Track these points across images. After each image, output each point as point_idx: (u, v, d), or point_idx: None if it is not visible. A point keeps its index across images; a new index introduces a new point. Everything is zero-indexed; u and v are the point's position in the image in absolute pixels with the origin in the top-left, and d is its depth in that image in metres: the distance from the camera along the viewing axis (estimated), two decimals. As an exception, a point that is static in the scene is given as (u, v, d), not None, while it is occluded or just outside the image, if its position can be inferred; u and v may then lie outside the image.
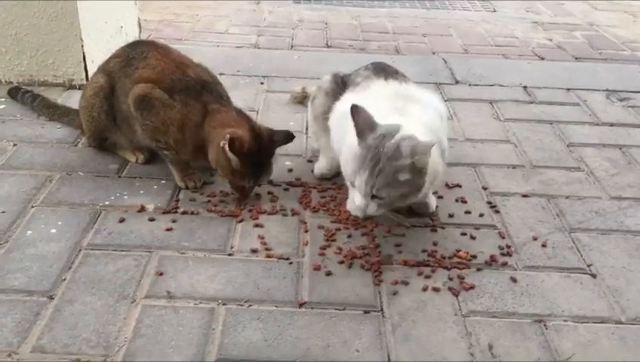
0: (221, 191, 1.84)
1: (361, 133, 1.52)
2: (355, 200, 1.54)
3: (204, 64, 1.92)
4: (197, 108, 1.77)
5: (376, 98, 1.68)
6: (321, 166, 1.95)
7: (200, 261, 1.56)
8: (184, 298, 1.43)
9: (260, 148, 1.72)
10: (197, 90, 1.79)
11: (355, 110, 1.53)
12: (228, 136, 1.66)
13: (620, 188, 1.96)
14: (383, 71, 1.82)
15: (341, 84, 1.88)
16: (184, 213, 1.74)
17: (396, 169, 1.47)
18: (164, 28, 3.42)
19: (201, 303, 1.42)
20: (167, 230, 1.66)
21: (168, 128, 1.77)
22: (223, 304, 1.42)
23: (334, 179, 1.93)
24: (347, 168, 1.58)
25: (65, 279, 1.47)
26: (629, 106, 2.55)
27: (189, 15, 3.69)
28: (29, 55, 2.43)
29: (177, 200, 1.79)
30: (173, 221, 1.70)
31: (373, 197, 1.51)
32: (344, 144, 1.64)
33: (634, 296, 1.50)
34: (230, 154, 1.66)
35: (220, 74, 2.62)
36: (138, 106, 1.78)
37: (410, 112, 1.62)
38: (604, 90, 2.69)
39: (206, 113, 1.78)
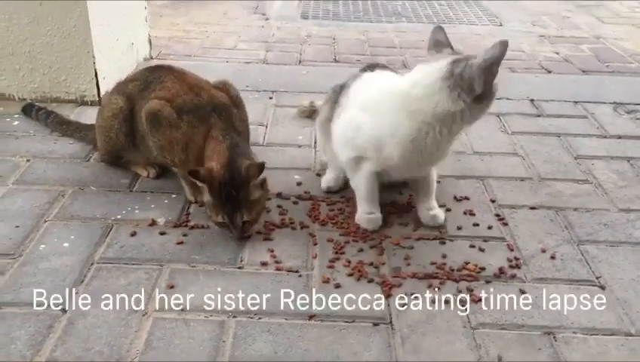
0: (231, 205, 1.86)
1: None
2: None
3: (232, 85, 1.95)
4: (201, 130, 1.78)
5: (363, 85, 1.76)
6: (328, 178, 1.97)
7: (210, 274, 1.57)
8: (195, 311, 1.45)
9: (233, 183, 1.64)
10: (206, 112, 1.80)
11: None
12: (205, 168, 1.67)
13: (629, 200, 1.96)
14: (370, 67, 1.88)
15: (339, 91, 1.90)
16: (194, 226, 1.76)
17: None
18: (174, 44, 3.47)
19: (211, 316, 1.43)
20: (178, 243, 1.68)
21: (173, 147, 1.80)
22: (234, 316, 1.43)
23: (343, 192, 1.94)
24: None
25: (77, 292, 1.49)
26: (637, 119, 2.55)
27: (199, 32, 3.74)
28: (42, 72, 2.47)
29: (188, 214, 1.81)
30: (184, 235, 1.72)
31: None
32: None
33: (643, 307, 1.50)
34: (198, 182, 1.66)
35: (230, 89, 2.68)
36: (149, 122, 1.81)
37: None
38: (611, 103, 2.69)
39: (207, 137, 1.78)
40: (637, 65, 3.37)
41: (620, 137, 2.38)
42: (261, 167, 1.67)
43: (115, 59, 2.62)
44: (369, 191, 1.77)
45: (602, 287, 1.57)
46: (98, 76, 2.48)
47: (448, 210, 1.87)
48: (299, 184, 2.00)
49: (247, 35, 3.72)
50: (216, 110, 1.81)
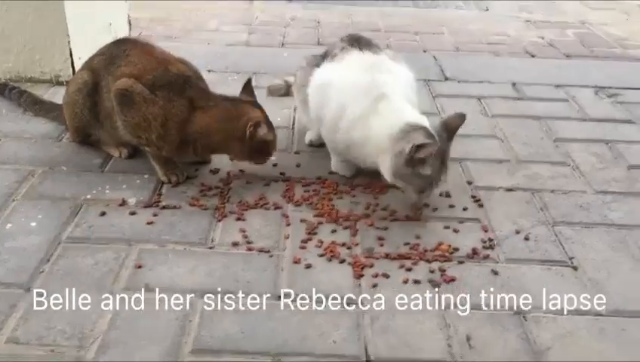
0: (203, 184, 1.83)
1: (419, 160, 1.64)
2: (425, 199, 1.74)
3: (187, 59, 1.93)
4: (181, 103, 1.77)
5: (352, 68, 1.84)
6: (310, 134, 2.09)
7: (180, 254, 1.55)
8: (162, 291, 1.42)
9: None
10: (179, 85, 1.78)
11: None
12: (252, 123, 1.76)
13: (606, 182, 1.95)
14: (357, 41, 1.95)
15: (319, 58, 2.00)
16: (166, 207, 1.73)
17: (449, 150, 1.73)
18: (156, 26, 3.42)
19: (179, 296, 1.41)
20: (148, 223, 1.65)
21: (150, 124, 1.77)
22: (201, 296, 1.41)
23: (319, 173, 1.93)
24: (334, 136, 1.82)
25: (43, 271, 1.46)
26: (618, 102, 2.54)
27: (181, 14, 3.70)
28: (15, 52, 2.42)
29: (160, 195, 1.79)
30: (155, 215, 1.69)
31: None
32: (326, 112, 1.82)
33: (614, 288, 1.49)
34: (263, 133, 1.78)
35: (209, 70, 2.66)
36: (119, 101, 1.78)
37: (387, 85, 1.78)
38: (593, 87, 2.68)
39: (193, 109, 1.77)
40: (621, 51, 3.37)
41: (600, 120, 2.37)
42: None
43: (92, 40, 2.55)
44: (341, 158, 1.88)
45: (575, 268, 1.56)
46: (73, 56, 2.44)
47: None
48: (274, 165, 1.98)
49: (231, 17, 3.68)
50: (188, 83, 1.79)
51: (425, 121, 1.72)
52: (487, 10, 4.15)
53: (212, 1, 3.99)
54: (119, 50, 1.86)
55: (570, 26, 3.80)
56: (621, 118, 2.40)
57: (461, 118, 1.77)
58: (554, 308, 1.42)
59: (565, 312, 1.41)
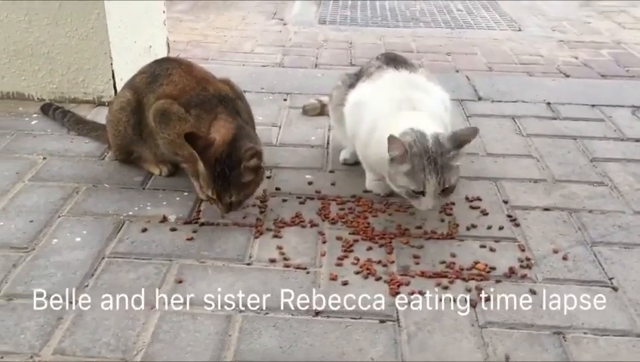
0: (241, 203, 1.87)
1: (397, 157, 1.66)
2: (425, 204, 1.68)
3: (231, 80, 1.98)
4: (208, 119, 1.80)
5: (388, 87, 1.87)
6: (345, 152, 2.12)
7: (219, 270, 1.58)
8: (202, 305, 1.45)
9: (229, 161, 1.67)
10: (213, 104, 1.83)
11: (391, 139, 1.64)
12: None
13: (645, 202, 1.93)
14: (394, 60, 1.99)
15: (354, 77, 2.05)
16: (205, 223, 1.77)
17: (450, 157, 1.66)
18: (192, 48, 3.51)
19: (218, 310, 1.44)
20: (188, 240, 1.69)
21: (183, 141, 1.82)
22: (240, 311, 1.44)
23: (353, 191, 1.95)
24: (366, 151, 1.86)
25: (87, 285, 1.51)
26: (656, 122, 2.51)
27: (217, 36, 3.78)
28: (60, 73, 2.52)
29: (199, 212, 1.83)
30: (194, 231, 1.73)
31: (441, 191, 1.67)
32: (361, 128, 1.84)
33: (657, 309, 1.47)
34: (194, 150, 1.68)
35: (245, 91, 2.67)
36: (158, 120, 1.84)
37: (421, 102, 1.82)
38: (630, 107, 2.66)
39: (214, 120, 1.80)
40: (658, 70, 3.32)
41: (637, 140, 2.35)
42: (258, 154, 1.71)
43: (132, 61, 2.65)
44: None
45: (615, 289, 1.54)
46: (115, 77, 2.52)
47: (459, 210, 1.86)
48: (310, 183, 2.00)
49: (265, 39, 3.75)
50: (223, 102, 1.84)
51: (437, 130, 1.71)
52: (519, 30, 4.15)
53: (247, 25, 4.08)
54: (161, 69, 1.92)
55: (605, 46, 3.77)
56: (659, 137, 2.37)
57: (473, 132, 1.74)
58: (594, 329, 1.41)
59: (606, 333, 1.40)
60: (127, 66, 2.59)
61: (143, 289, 1.49)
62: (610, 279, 1.57)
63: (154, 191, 1.93)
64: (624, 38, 3.96)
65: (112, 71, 2.50)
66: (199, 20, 4.11)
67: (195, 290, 1.50)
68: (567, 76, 3.20)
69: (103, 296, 1.47)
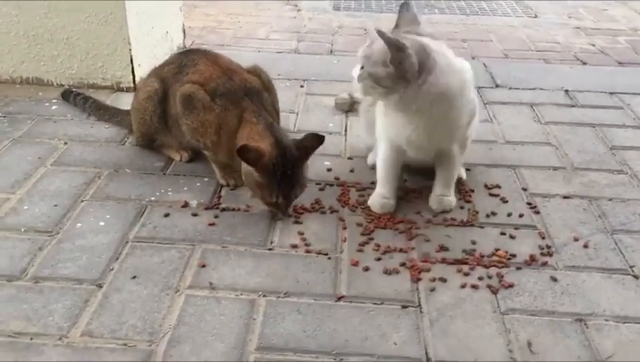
0: (262, 189, 1.88)
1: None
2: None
3: (263, 70, 1.98)
4: (234, 113, 1.80)
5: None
6: (371, 156, 2.02)
7: (241, 255, 1.60)
8: (226, 289, 1.47)
9: (286, 162, 1.66)
10: (239, 95, 1.82)
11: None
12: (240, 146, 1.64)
13: (665, 190, 1.92)
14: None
15: None
16: (226, 209, 1.78)
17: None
18: (207, 34, 3.51)
19: (242, 294, 1.45)
20: (210, 225, 1.71)
21: (206, 130, 1.83)
22: (264, 296, 1.45)
23: (373, 178, 1.95)
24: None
25: (112, 269, 1.53)
26: (675, 110, 2.49)
27: (231, 22, 3.78)
28: (79, 58, 2.53)
29: (220, 197, 1.84)
30: (216, 216, 1.74)
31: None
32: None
33: (678, 297, 1.47)
34: (246, 166, 1.66)
35: (261, 77, 2.71)
36: (183, 105, 1.84)
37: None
38: (648, 94, 2.64)
39: (241, 120, 1.80)
40: (676, 58, 3.29)
41: (656, 128, 2.33)
42: (321, 138, 1.71)
43: (150, 47, 2.66)
44: (386, 171, 1.80)
45: (636, 277, 1.54)
46: (133, 63, 2.52)
47: (478, 197, 1.86)
48: (329, 170, 2.01)
49: (279, 25, 3.74)
50: (249, 94, 1.83)
51: None
52: (535, 16, 4.12)
53: (260, 11, 4.07)
54: (188, 60, 1.93)
55: (622, 33, 3.74)
56: (679, 125, 2.36)
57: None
58: (615, 316, 1.41)
59: (628, 320, 1.40)
60: (145, 52, 2.61)
61: (167, 273, 1.51)
62: (632, 267, 1.58)
63: (175, 177, 1.94)
64: (641, 25, 3.92)
65: (131, 57, 2.51)
66: (213, 6, 4.10)
67: (218, 275, 1.52)
68: (585, 63, 3.18)
69: (129, 279, 1.49)
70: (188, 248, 1.61)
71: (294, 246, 1.63)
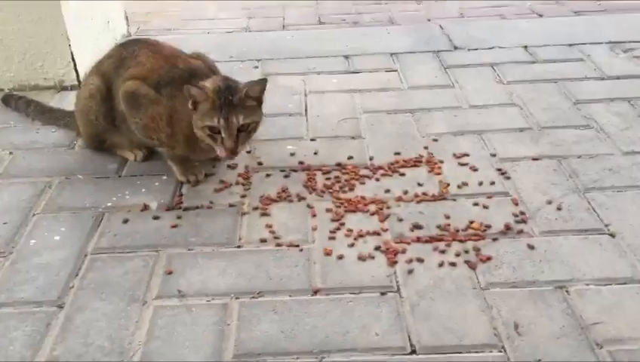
0: (222, 181, 1.80)
1: None
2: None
3: (202, 53, 1.90)
4: (183, 97, 1.69)
5: None
6: None
7: (209, 256, 1.52)
8: (196, 295, 1.40)
9: (229, 90, 1.62)
10: (184, 79, 1.71)
11: None
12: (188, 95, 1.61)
13: (632, 142, 1.90)
14: None
15: None
16: (188, 208, 1.70)
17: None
18: (152, 19, 3.36)
19: (213, 299, 1.39)
20: (173, 227, 1.62)
21: (158, 124, 1.73)
22: (236, 298, 1.39)
23: (336, 158, 1.89)
24: None
25: (73, 286, 1.44)
26: (635, 57, 2.48)
27: (177, 3, 3.63)
28: (16, 60, 2.37)
29: (181, 196, 1.75)
30: (178, 217, 1.66)
31: None
32: None
33: (656, 253, 1.46)
34: (194, 94, 1.61)
35: (214, 61, 2.60)
36: (127, 103, 1.74)
37: None
38: (607, 43, 2.61)
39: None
40: (631, 2, 3.28)
41: (618, 78, 2.31)
42: (262, 82, 1.68)
43: (92, 40, 2.52)
44: None
45: (612, 235, 1.52)
46: (75, 59, 2.38)
47: (438, 167, 1.82)
48: (292, 154, 1.94)
49: (228, 3, 3.61)
50: (195, 76, 1.73)
51: None
52: (487, -29, 4.05)
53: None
54: (128, 52, 1.82)
55: (575, -19, 3.70)
56: (640, 73, 2.34)
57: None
58: (596, 279, 1.39)
59: (608, 282, 1.38)
60: (86, 46, 2.46)
61: (132, 285, 1.43)
62: (607, 226, 1.56)
63: (131, 179, 1.84)
64: (593, -30, 3.89)
65: (71, 52, 2.37)
66: (156, -12, 3.92)
67: (186, 281, 1.44)
68: (541, 16, 3.15)
69: (91, 296, 1.40)
70: (152, 255, 1.53)
71: (263, 241, 1.56)
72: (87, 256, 1.53)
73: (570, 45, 2.61)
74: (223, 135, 1.62)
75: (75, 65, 2.39)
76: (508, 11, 3.24)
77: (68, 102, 2.26)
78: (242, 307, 1.36)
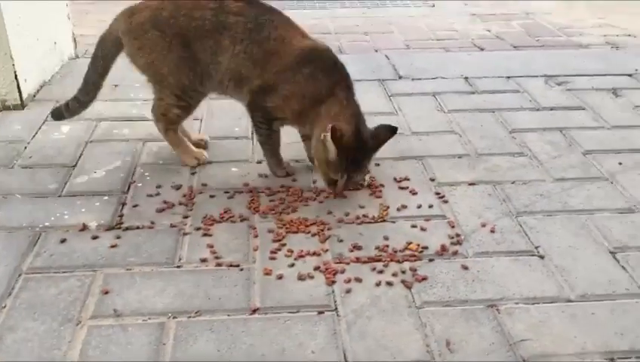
0: (165, 202, 1.80)
1: None
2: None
3: None
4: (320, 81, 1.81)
5: None
6: None
7: (147, 276, 1.51)
8: (132, 315, 1.39)
9: (358, 146, 1.75)
10: (330, 66, 1.85)
11: None
12: (330, 127, 1.69)
13: (563, 169, 2.00)
14: None
15: None
16: (129, 228, 1.69)
17: None
18: (102, 42, 3.33)
19: (150, 319, 1.38)
20: (112, 247, 1.61)
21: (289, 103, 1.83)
22: (174, 317, 1.38)
23: (283, 181, 1.92)
24: None
25: (5, 306, 1.40)
26: (567, 90, 2.61)
27: (128, 27, 3.61)
28: (-43, 78, 2.33)
29: (121, 216, 1.74)
30: (118, 237, 1.65)
31: None
32: None
33: (581, 273, 1.53)
34: (330, 145, 1.70)
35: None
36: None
37: None
38: (542, 76, 2.75)
39: (331, 94, 1.81)
40: (565, 39, 3.46)
41: (552, 109, 2.43)
42: (394, 129, 1.83)
43: (37, 60, 2.50)
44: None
45: (541, 256, 1.59)
46: (19, 78, 2.35)
47: (388, 191, 1.86)
48: (238, 176, 1.95)
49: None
50: (337, 63, 1.86)
51: None
52: (433, 6, 4.21)
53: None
54: (263, 19, 1.83)
55: (515, 17, 3.89)
56: (571, 105, 2.47)
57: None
58: (525, 298, 1.45)
59: (536, 301, 1.44)
60: (31, 66, 2.44)
61: (66, 305, 1.41)
62: (537, 248, 1.63)
63: (71, 198, 1.82)
64: (532, 8, 4.10)
65: (15, 72, 2.33)
66: (107, 12, 3.85)
67: (123, 300, 1.43)
68: (482, 49, 3.28)
69: (24, 316, 1.37)
70: (88, 275, 1.51)
71: (204, 261, 1.56)
72: (22, 276, 1.50)
73: (507, 77, 2.74)
74: (338, 184, 1.79)
75: (18, 84, 2.35)
76: (451, 44, 3.37)
77: (9, 121, 2.23)
78: (179, 326, 1.36)
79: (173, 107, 1.91)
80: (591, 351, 1.29)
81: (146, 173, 1.96)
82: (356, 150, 1.74)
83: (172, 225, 1.70)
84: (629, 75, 2.77)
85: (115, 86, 2.59)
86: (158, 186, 1.88)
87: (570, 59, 3.00)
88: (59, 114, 2.05)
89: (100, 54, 1.95)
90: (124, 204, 1.79)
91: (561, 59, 2.99)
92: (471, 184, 1.92)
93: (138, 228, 1.69)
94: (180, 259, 1.57)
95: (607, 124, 2.31)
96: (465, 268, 1.55)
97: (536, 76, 2.75)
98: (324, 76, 1.82)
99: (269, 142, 1.93)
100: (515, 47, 3.33)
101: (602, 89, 2.62)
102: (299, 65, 1.80)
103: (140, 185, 1.88)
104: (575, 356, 1.28)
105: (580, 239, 1.66)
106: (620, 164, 2.02)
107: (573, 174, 1.97)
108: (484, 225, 1.71)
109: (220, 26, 1.80)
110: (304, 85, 1.81)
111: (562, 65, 2.88)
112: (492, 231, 1.69)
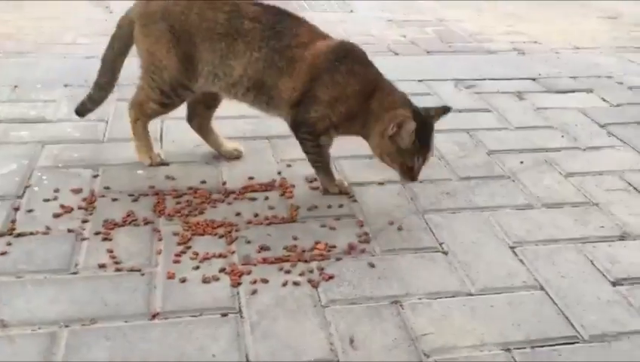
0: (63, 206, 1.71)
1: None
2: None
3: None
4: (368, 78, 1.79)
5: None
6: None
7: (39, 283, 1.43)
8: (20, 325, 1.30)
9: (423, 127, 1.70)
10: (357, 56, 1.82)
11: None
12: (400, 119, 1.67)
13: (469, 168, 2.06)
14: None
15: None
16: (21, 234, 1.59)
17: None
18: (4, 41, 3.16)
19: (40, 328, 1.30)
20: (1, 254, 1.51)
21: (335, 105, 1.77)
22: (66, 326, 1.31)
23: (190, 183, 1.87)
24: None
25: None
26: (475, 93, 2.70)
27: (33, 27, 3.45)
28: None
29: (14, 221, 1.64)
30: (9, 244, 1.55)
31: None
32: None
33: (482, 268, 1.57)
34: (406, 134, 1.67)
35: (65, 85, 2.50)
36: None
37: None
38: (452, 80, 2.83)
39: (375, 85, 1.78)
40: (476, 45, 3.59)
41: (460, 111, 2.49)
42: (444, 107, 1.81)
43: None
44: None
45: (445, 252, 1.62)
46: None
47: (290, 191, 1.85)
48: (143, 179, 1.88)
49: (89, 29, 3.48)
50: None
51: None
52: (351, 12, 4.26)
53: (68, 15, 3.77)
54: (282, 26, 1.80)
55: (429, 24, 4.00)
56: (479, 107, 2.55)
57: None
58: (428, 293, 1.47)
59: (439, 296, 1.46)
60: None
61: (-54, 318, 1.30)
62: (441, 244, 1.66)
63: (-42, 204, 1.70)
64: (445, 15, 4.22)
65: None
66: (12, 11, 3.72)
67: (10, 310, 1.34)
68: (397, 54, 3.34)
69: None
70: (-27, 284, 1.40)
71: (102, 266, 1.49)
72: None
73: (419, 81, 2.80)
74: (416, 168, 1.74)
75: None
76: (367, 49, 3.38)
77: None
78: (71, 335, 1.28)
79: (153, 101, 1.87)
80: (489, 343, 1.33)
81: (44, 177, 1.86)
82: (422, 131, 1.71)
83: (69, 231, 1.62)
84: (533, 79, 2.91)
85: (15, 87, 2.45)
86: (56, 190, 1.78)
87: (480, 64, 3.11)
88: (83, 109, 2.01)
89: (117, 35, 1.93)
90: (17, 209, 1.68)
91: (471, 64, 3.09)
92: (380, 184, 1.93)
93: (32, 233, 1.59)
94: (76, 266, 1.49)
95: (511, 125, 2.40)
96: (372, 265, 1.55)
97: (447, 80, 2.83)
98: (361, 69, 1.78)
99: (319, 159, 1.85)
100: (428, 52, 3.41)
101: (508, 92, 2.72)
102: (333, 65, 1.75)
103: (37, 189, 1.78)
104: (473, 348, 1.31)
105: (482, 235, 1.70)
106: (522, 162, 2.10)
107: (478, 173, 2.03)
108: (391, 223, 1.73)
109: (233, 30, 1.76)
110: (345, 84, 1.75)
111: (472, 69, 2.98)
112: (399, 229, 1.71)
